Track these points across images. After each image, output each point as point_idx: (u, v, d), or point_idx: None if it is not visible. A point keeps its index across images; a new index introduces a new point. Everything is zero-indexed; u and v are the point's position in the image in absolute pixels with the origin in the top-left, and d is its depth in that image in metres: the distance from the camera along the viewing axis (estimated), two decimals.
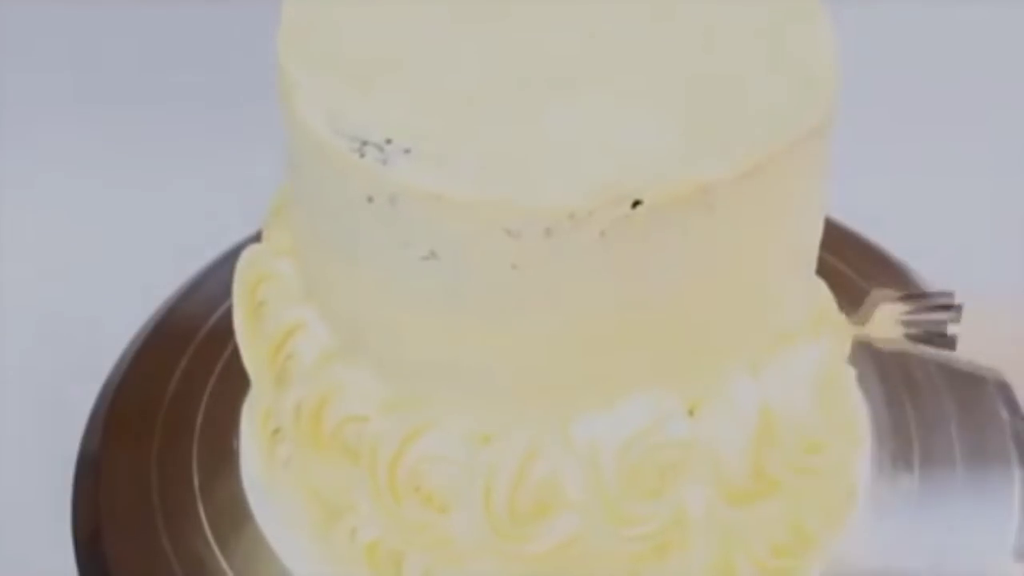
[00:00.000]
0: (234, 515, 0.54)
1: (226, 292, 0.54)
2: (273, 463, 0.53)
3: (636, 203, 0.39)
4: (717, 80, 0.43)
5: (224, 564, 0.53)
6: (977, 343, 0.58)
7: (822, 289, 0.50)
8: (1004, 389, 0.57)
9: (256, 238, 0.56)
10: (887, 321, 0.52)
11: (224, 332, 0.55)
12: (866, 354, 0.58)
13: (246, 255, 0.52)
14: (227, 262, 0.54)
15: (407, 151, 0.41)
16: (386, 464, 0.45)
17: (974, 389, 0.57)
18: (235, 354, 0.53)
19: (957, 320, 0.50)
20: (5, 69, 0.85)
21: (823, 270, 0.50)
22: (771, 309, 0.46)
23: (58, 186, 0.77)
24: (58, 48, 0.89)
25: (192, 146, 0.78)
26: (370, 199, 0.41)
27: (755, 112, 0.42)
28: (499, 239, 0.40)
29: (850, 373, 0.51)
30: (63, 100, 0.84)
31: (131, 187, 0.76)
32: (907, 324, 0.51)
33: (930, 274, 0.63)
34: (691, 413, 0.44)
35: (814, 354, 0.46)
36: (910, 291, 0.60)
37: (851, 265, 0.60)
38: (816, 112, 0.42)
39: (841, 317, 0.50)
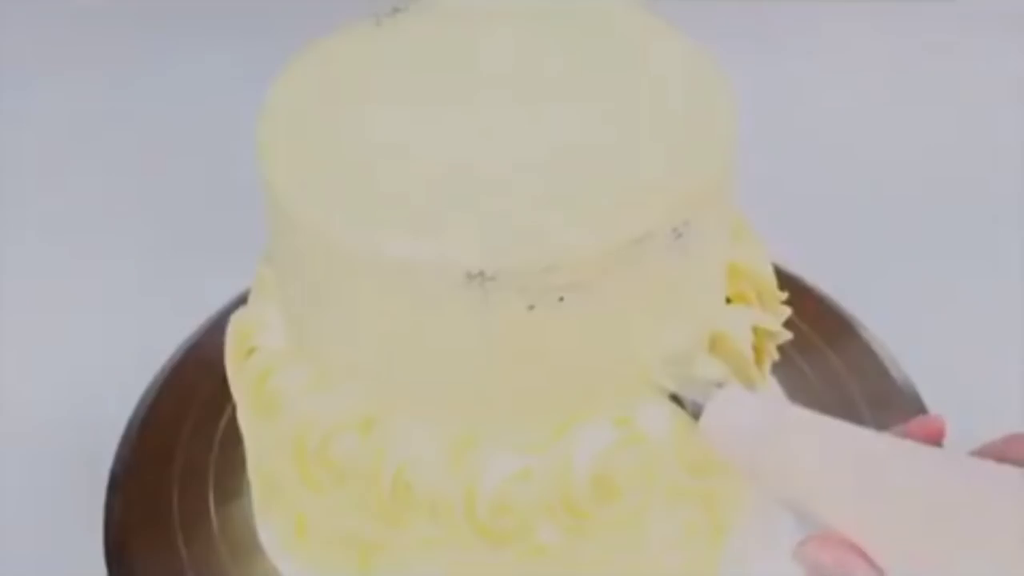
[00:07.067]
0: (245, 534, 0.57)
1: None
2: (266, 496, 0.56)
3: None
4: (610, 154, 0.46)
5: None
6: None
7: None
8: None
9: None
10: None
11: None
12: None
13: (235, 317, 0.53)
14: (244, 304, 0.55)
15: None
16: (369, 471, 0.46)
17: None
18: None
19: None
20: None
21: None
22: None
23: (82, 239, 0.78)
24: (55, 115, 0.90)
25: (194, 209, 0.80)
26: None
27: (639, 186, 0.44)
28: (450, 288, 0.43)
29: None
30: (60, 168, 0.84)
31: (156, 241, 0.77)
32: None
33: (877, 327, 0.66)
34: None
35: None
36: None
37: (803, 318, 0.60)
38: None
39: None
